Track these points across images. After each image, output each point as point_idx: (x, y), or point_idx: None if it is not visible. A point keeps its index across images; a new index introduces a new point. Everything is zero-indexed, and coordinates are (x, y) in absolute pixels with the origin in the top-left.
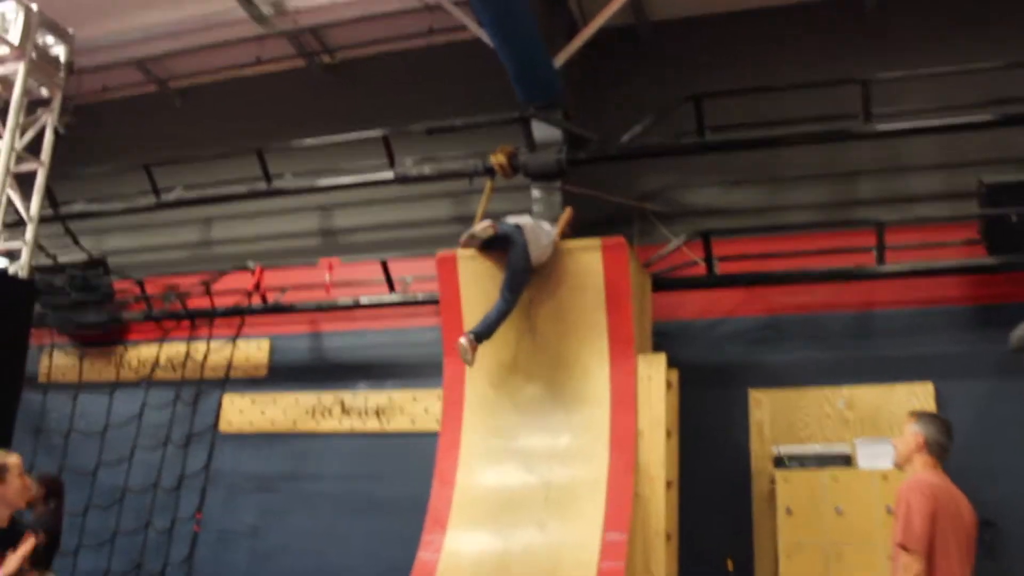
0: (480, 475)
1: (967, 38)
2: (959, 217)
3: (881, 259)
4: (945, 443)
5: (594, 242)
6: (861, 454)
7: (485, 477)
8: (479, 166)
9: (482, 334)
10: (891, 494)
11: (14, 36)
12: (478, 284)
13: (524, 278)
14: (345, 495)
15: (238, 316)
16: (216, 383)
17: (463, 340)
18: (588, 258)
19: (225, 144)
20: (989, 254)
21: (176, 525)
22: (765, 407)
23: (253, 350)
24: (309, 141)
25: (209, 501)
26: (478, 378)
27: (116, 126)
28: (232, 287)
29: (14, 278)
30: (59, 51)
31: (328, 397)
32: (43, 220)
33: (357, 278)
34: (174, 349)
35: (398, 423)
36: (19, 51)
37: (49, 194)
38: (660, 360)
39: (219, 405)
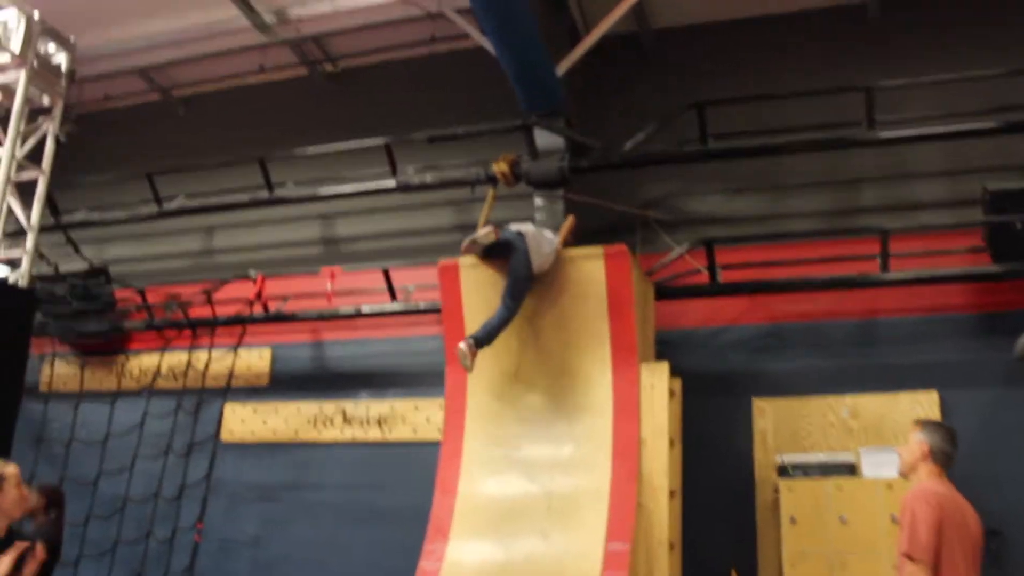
0: (482, 484)
1: (970, 45)
2: (963, 224)
3: (885, 267)
4: (950, 452)
5: (596, 250)
6: (865, 463)
7: (487, 486)
8: (481, 174)
9: (482, 340)
10: (896, 503)
11: (15, 44)
12: (480, 293)
13: (526, 285)
14: (347, 504)
15: (240, 325)
16: (218, 392)
17: (463, 345)
18: (590, 266)
19: (227, 152)
20: (993, 261)
21: (177, 535)
22: (768, 416)
23: (255, 359)
24: (311, 149)
25: (210, 511)
26: (480, 387)
27: (118, 134)
28: (234, 296)
29: (15, 287)
30: (61, 59)
31: (330, 406)
32: (44, 229)
33: (359, 287)
34: (175, 358)
35: (400, 432)
36: (20, 59)
37: (50, 203)
38: (663, 369)
39: (220, 414)
